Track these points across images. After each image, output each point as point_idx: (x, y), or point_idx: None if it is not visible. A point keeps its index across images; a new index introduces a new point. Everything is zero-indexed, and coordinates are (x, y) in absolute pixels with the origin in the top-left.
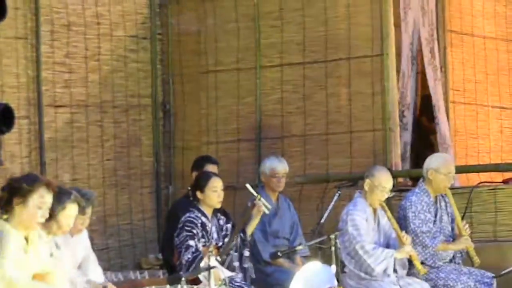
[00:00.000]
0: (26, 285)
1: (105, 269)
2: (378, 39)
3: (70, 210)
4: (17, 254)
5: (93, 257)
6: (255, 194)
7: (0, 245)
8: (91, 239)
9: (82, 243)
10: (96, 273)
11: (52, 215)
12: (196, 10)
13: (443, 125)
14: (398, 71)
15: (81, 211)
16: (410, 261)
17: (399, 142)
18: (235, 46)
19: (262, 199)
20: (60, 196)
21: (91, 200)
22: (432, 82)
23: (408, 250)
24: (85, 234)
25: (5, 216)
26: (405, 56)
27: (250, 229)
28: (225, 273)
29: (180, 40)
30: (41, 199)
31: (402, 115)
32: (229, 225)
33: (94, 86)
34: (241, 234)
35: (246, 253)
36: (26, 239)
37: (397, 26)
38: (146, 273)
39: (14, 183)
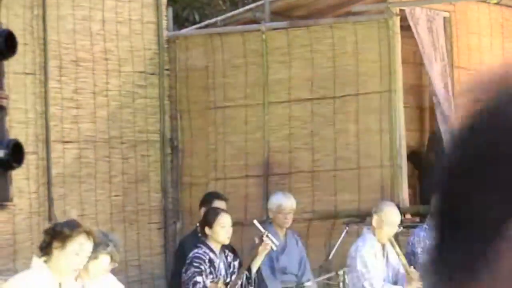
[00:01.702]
0: None
1: None
2: (386, 75)
3: (102, 261)
4: None
5: None
6: (262, 230)
7: (26, 283)
8: None
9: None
10: None
11: None
12: (204, 45)
13: None
14: (406, 107)
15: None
16: None
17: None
18: (243, 82)
19: (269, 235)
20: (96, 245)
21: (116, 247)
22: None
23: (416, 287)
24: (111, 277)
25: (43, 258)
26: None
27: (255, 267)
28: None
29: (188, 76)
30: (80, 246)
31: None
32: (236, 262)
33: (102, 122)
34: (246, 272)
35: None
36: (59, 284)
37: (405, 62)
38: None
39: (56, 227)
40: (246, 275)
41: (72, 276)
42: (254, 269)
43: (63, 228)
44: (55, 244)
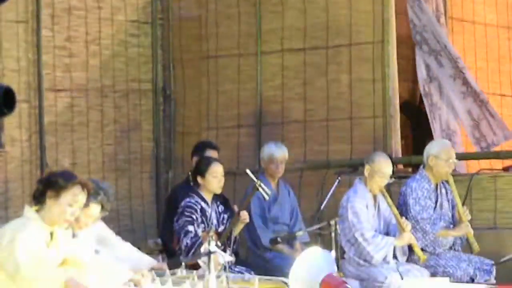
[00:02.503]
0: (32, 271)
1: None
2: (379, 25)
3: (92, 210)
4: (39, 247)
5: (120, 239)
6: (254, 179)
7: (21, 229)
8: None
9: (94, 234)
10: (134, 252)
11: None
12: None
13: (445, 112)
14: (399, 57)
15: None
16: (410, 248)
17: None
18: (236, 32)
19: (262, 184)
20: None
21: (107, 195)
22: (435, 68)
23: (408, 237)
24: (101, 224)
25: (35, 207)
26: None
27: (236, 231)
28: (225, 258)
29: (181, 25)
30: (74, 197)
31: None
32: (226, 215)
33: (95, 71)
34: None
35: (228, 252)
36: (51, 234)
37: (399, 13)
38: None
39: (51, 177)
40: (228, 236)
41: (63, 226)
42: (234, 235)
43: (58, 179)
44: (49, 193)
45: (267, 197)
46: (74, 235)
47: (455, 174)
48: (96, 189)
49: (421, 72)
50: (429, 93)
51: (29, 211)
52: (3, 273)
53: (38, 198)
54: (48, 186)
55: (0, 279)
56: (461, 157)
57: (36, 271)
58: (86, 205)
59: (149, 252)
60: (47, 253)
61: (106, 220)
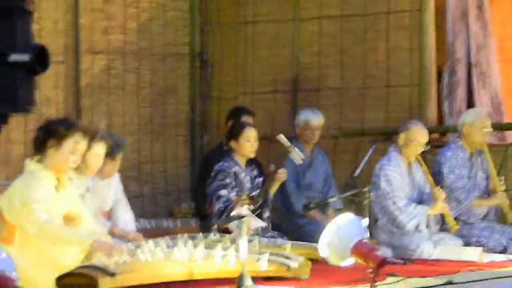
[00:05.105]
0: (57, 231)
1: (138, 216)
2: None
3: (97, 149)
4: (48, 194)
5: (124, 202)
6: (287, 144)
7: (30, 187)
8: (126, 185)
9: (113, 187)
10: (126, 218)
11: None
12: None
13: (494, 81)
14: (437, 26)
15: (111, 156)
16: (443, 217)
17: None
18: None
19: (296, 148)
20: None
21: (121, 145)
22: (481, 37)
23: (441, 206)
24: (116, 178)
25: (36, 158)
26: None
27: (272, 191)
28: (257, 223)
29: None
30: (75, 145)
31: None
32: (260, 179)
33: (132, 33)
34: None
35: (266, 213)
36: (58, 180)
37: None
38: (178, 222)
39: (51, 125)
40: (264, 197)
41: (67, 172)
42: (271, 193)
43: (58, 127)
44: (50, 142)
45: (300, 161)
46: (88, 189)
47: (490, 144)
48: (93, 130)
49: (466, 42)
50: (478, 62)
51: (30, 164)
52: (23, 231)
53: (39, 147)
54: (49, 134)
55: (21, 237)
56: (501, 127)
57: (60, 230)
58: (90, 146)
59: (183, 216)
60: (57, 204)
61: (141, 182)
